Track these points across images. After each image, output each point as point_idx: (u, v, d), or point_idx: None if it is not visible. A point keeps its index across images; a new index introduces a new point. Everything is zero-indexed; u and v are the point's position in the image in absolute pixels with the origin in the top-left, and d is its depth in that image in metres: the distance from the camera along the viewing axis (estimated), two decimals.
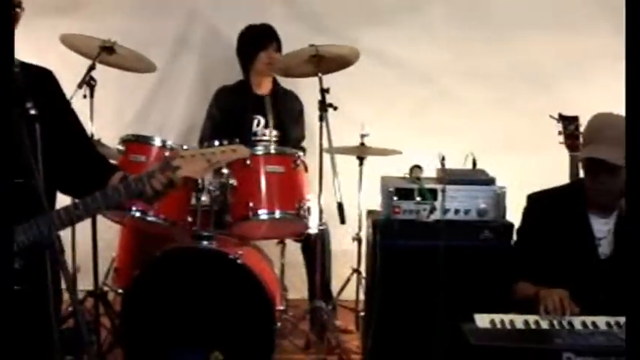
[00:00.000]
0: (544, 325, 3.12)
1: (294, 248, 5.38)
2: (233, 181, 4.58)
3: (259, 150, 4.68)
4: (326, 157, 4.78)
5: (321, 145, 4.82)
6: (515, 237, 3.91)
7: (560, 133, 4.42)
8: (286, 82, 5.63)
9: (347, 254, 5.43)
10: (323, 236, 5.07)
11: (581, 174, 3.60)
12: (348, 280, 5.41)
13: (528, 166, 5.55)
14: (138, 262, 4.60)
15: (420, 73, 6.00)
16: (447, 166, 4.46)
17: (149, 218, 4.48)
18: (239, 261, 4.35)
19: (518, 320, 3.13)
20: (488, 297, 3.72)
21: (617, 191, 3.41)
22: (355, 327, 5.37)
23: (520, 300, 3.45)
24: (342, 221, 4.57)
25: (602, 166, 3.37)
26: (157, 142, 4.53)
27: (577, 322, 3.15)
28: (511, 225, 4.24)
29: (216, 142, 2.95)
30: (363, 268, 5.17)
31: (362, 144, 5.16)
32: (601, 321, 3.16)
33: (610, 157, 3.34)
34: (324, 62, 4.96)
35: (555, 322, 3.14)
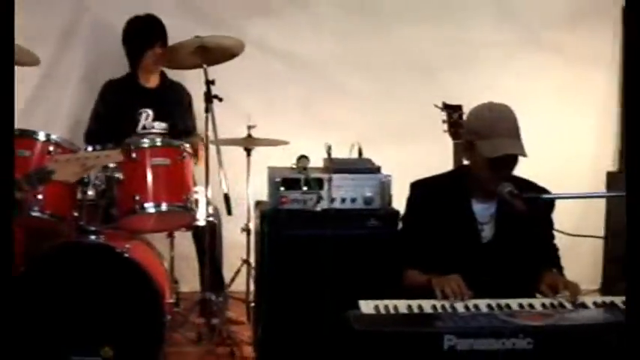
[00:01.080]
0: (427, 309, 3.15)
1: (186, 241, 5.35)
2: (119, 175, 4.52)
3: (145, 143, 4.63)
4: (213, 148, 4.78)
5: (207, 136, 4.79)
6: (400, 225, 3.95)
7: (444, 121, 4.52)
8: (174, 74, 5.58)
9: (237, 245, 5.43)
10: (212, 228, 5.06)
11: (465, 162, 3.65)
12: (238, 271, 5.42)
13: (413, 155, 5.62)
14: (24, 259, 4.51)
15: (307, 64, 6.02)
16: (334, 155, 4.51)
17: (34, 214, 4.38)
18: (126, 255, 4.30)
19: (402, 305, 3.16)
20: (376, 284, 3.76)
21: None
22: (246, 318, 5.36)
23: (412, 287, 3.47)
24: (229, 212, 4.59)
25: (509, 159, 3.43)
26: (42, 137, 4.43)
27: (459, 305, 3.20)
28: (397, 213, 4.31)
29: (90, 148, 2.93)
30: (253, 259, 5.18)
31: (249, 135, 5.16)
32: (482, 303, 3.21)
33: (519, 151, 3.41)
34: (209, 53, 4.95)
35: (438, 306, 3.18)
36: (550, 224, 3.67)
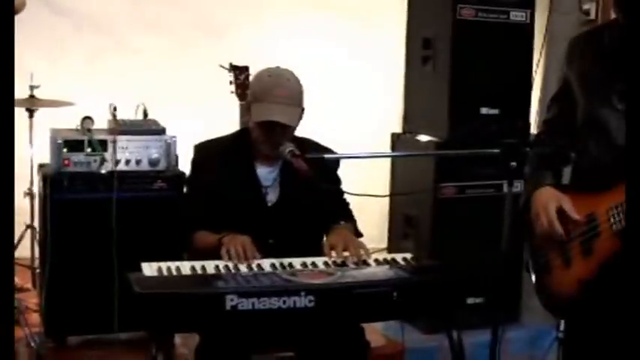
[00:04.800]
0: (210, 270, 3.15)
1: None
2: None
3: None
4: None
5: None
6: (185, 187, 3.93)
7: (230, 82, 4.50)
8: None
9: (20, 210, 5.24)
10: None
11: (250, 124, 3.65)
12: (22, 236, 5.24)
13: (200, 116, 5.59)
14: None
15: (94, 22, 5.85)
16: (120, 117, 4.42)
17: None
18: None
19: (186, 267, 3.15)
20: (163, 247, 3.72)
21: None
22: (32, 284, 5.22)
23: (204, 249, 3.46)
24: None
25: (277, 125, 3.44)
26: None
27: (243, 266, 3.21)
28: (183, 174, 4.29)
29: None
30: (37, 224, 5.02)
31: (32, 96, 4.98)
32: (266, 263, 3.24)
33: (284, 119, 3.43)
34: None
35: (221, 267, 3.18)
36: (337, 181, 3.73)
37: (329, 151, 3.67)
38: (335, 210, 3.71)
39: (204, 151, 3.68)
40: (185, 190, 3.90)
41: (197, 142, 3.74)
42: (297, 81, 3.57)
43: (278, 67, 3.58)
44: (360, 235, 3.70)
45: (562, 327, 3.62)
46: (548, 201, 3.08)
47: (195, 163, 3.69)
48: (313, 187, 3.42)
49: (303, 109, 3.58)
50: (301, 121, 3.60)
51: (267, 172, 3.59)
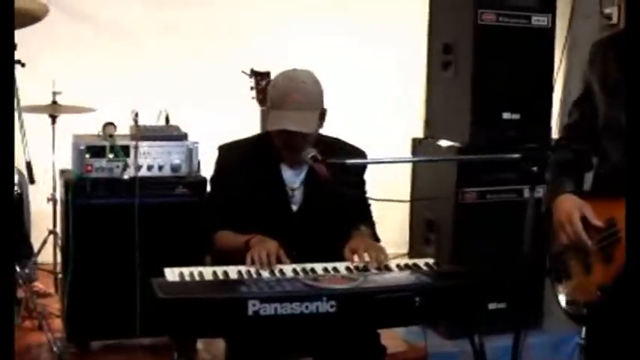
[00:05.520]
0: (233, 275, 3.14)
1: None
2: None
3: None
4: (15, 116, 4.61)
5: None
6: (209, 187, 3.86)
7: (252, 88, 4.51)
8: None
9: (43, 216, 5.29)
10: (19, 198, 4.90)
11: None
12: (45, 241, 5.27)
13: (222, 121, 5.58)
14: None
15: (115, 27, 5.90)
16: (141, 122, 4.44)
17: None
18: None
19: (208, 272, 3.14)
20: (184, 252, 3.72)
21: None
22: (55, 289, 5.25)
23: (227, 249, 3.45)
24: (32, 181, 4.45)
25: (291, 133, 3.37)
26: None
27: (264, 271, 3.20)
28: (205, 180, 4.30)
29: None
30: (59, 230, 5.04)
31: (54, 102, 5.02)
32: (288, 268, 3.22)
33: (297, 127, 3.35)
34: None
35: (244, 272, 3.18)
36: (362, 183, 3.69)
37: (358, 151, 3.62)
38: (356, 213, 3.66)
39: (230, 152, 3.63)
40: (209, 189, 3.84)
41: (217, 147, 3.72)
42: (315, 82, 3.48)
43: (295, 70, 3.49)
44: (377, 239, 3.67)
45: (584, 333, 3.61)
46: (572, 210, 3.07)
47: (219, 163, 3.64)
48: (337, 190, 3.39)
49: (324, 110, 3.50)
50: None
51: (293, 175, 3.55)
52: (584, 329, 3.62)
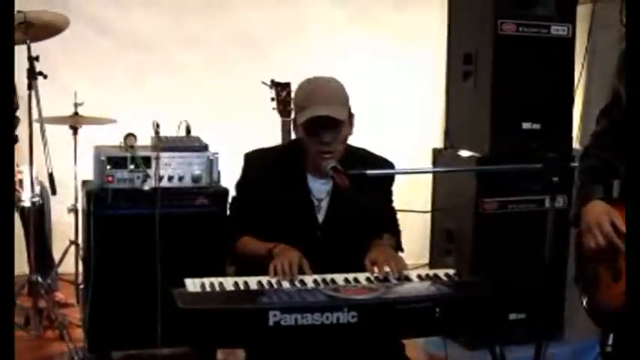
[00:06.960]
0: (253, 285, 3.14)
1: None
2: None
3: None
4: (37, 127, 4.64)
5: (30, 114, 4.65)
6: (234, 192, 3.77)
7: (272, 99, 4.52)
8: None
9: (64, 226, 5.32)
10: (39, 208, 4.93)
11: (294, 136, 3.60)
12: (66, 252, 5.30)
13: (243, 132, 5.59)
14: None
15: (135, 40, 5.95)
16: (162, 133, 4.46)
17: None
18: None
19: (229, 282, 3.14)
20: (205, 262, 3.73)
21: (339, 152, 3.40)
22: (76, 300, 5.28)
23: (249, 255, 3.44)
24: (54, 192, 4.47)
25: (324, 124, 3.33)
26: None
27: (285, 282, 3.20)
28: (226, 190, 4.31)
29: None
30: (81, 240, 5.07)
31: (76, 113, 5.06)
32: (309, 279, 3.22)
33: (330, 112, 3.31)
34: (32, 29, 4.79)
35: (264, 283, 3.17)
36: (389, 193, 3.68)
37: (384, 161, 3.60)
38: (383, 224, 3.61)
39: (256, 159, 3.60)
40: (234, 194, 3.75)
41: (239, 158, 3.70)
42: (340, 85, 3.46)
43: (317, 76, 3.49)
44: (401, 249, 3.66)
45: (608, 341, 3.58)
46: (601, 215, 3.06)
47: (245, 171, 3.60)
48: (363, 202, 3.35)
49: (351, 114, 3.46)
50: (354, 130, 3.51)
51: (319, 185, 3.51)
52: (606, 338, 3.59)
